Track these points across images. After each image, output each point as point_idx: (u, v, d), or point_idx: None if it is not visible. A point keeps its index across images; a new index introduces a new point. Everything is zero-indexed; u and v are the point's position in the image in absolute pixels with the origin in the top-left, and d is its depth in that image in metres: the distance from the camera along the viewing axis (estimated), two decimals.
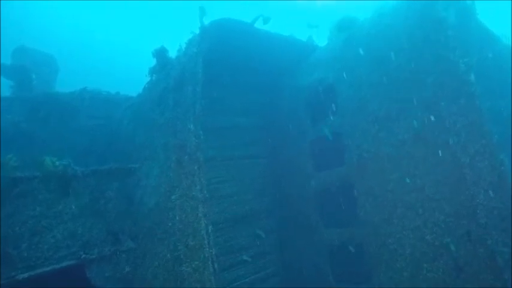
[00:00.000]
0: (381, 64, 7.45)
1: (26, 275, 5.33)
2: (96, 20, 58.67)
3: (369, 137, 7.17)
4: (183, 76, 6.57)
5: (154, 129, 7.18)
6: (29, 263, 5.49)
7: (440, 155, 5.86)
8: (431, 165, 6.04)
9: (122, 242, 6.64)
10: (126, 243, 6.68)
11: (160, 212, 6.32)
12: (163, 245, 6.24)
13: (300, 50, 9.94)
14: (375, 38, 7.81)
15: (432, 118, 6.09)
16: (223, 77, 9.01)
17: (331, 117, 8.24)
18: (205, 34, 7.00)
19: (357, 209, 7.33)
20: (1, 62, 10.87)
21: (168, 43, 9.25)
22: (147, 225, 6.61)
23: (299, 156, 9.12)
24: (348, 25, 8.76)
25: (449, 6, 7.50)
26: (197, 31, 8.26)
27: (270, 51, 9.39)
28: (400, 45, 7.12)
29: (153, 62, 9.24)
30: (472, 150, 5.54)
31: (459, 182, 5.59)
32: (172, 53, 8.99)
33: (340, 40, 8.73)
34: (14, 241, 5.58)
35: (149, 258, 6.50)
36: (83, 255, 6.08)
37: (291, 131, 9.49)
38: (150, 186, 6.69)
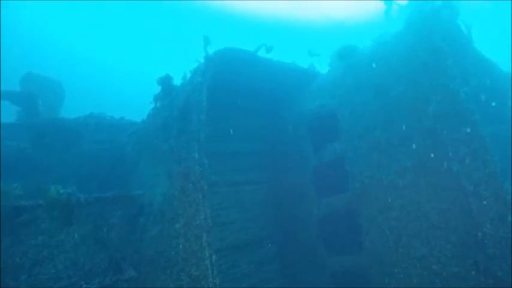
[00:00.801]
0: (381, 92, 7.59)
1: None
2: (107, 47, 60.00)
3: (372, 164, 7.19)
4: (188, 104, 6.70)
5: (159, 156, 7.23)
6: None
7: (444, 183, 5.86)
8: (435, 193, 6.03)
9: (124, 271, 6.54)
10: (127, 272, 6.58)
11: (164, 240, 6.27)
12: (166, 274, 6.14)
13: (302, 76, 10.15)
14: (375, 67, 7.99)
15: (435, 146, 6.14)
16: (226, 103, 9.15)
17: (334, 144, 8.30)
18: (209, 64, 7.19)
19: (361, 236, 7.25)
20: (9, 88, 11.09)
21: (175, 70, 9.46)
22: (150, 253, 6.53)
23: (301, 182, 9.11)
24: (348, 53, 8.99)
25: (447, 35, 7.76)
26: (202, 59, 8.54)
27: (273, 78, 9.60)
28: (400, 73, 7.29)
29: (159, 88, 9.47)
30: (476, 178, 5.55)
31: (464, 211, 5.57)
32: (178, 79, 9.24)
33: (341, 68, 8.93)
34: (14, 272, 5.51)
35: (151, 287, 6.39)
36: (84, 286, 5.98)
37: (293, 156, 9.53)
38: (153, 214, 6.66)
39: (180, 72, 9.09)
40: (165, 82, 8.74)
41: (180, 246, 5.89)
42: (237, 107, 9.46)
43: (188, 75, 8.88)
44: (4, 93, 10.42)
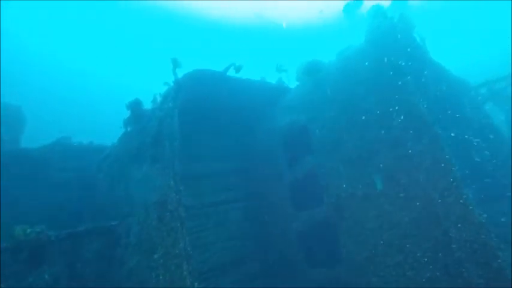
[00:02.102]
0: (349, 106, 7.93)
1: None
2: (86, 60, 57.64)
3: (345, 177, 7.45)
4: (161, 131, 6.65)
5: (133, 184, 7.09)
6: None
7: (412, 192, 6.19)
8: (405, 203, 6.35)
9: None
10: None
11: (143, 271, 6.12)
12: None
13: (271, 93, 10.37)
14: (341, 82, 8.35)
15: (401, 158, 6.48)
16: (198, 124, 9.16)
17: (307, 159, 8.51)
18: (180, 88, 7.20)
19: (339, 248, 7.44)
20: None
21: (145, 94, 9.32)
22: (129, 286, 6.34)
23: (278, 198, 9.24)
24: (315, 69, 9.32)
25: (404, 49, 8.27)
26: (171, 82, 8.53)
27: (243, 97, 9.74)
28: (365, 89, 7.65)
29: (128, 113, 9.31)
30: (441, 186, 5.92)
31: (432, 218, 5.90)
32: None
33: (310, 83, 9.24)
34: None
35: None
36: None
37: (267, 172, 9.65)
38: (130, 245, 6.50)
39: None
40: (135, 107, 8.64)
41: (160, 277, 5.77)
42: (209, 127, 9.49)
43: (158, 98, 8.86)
44: None
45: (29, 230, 5.70)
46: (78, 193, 9.90)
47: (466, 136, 10.83)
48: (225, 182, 9.63)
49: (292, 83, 11.48)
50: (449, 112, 10.60)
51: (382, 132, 7.05)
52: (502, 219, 8.49)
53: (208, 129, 9.26)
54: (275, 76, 11.95)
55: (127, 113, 9.12)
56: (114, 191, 8.05)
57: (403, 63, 7.16)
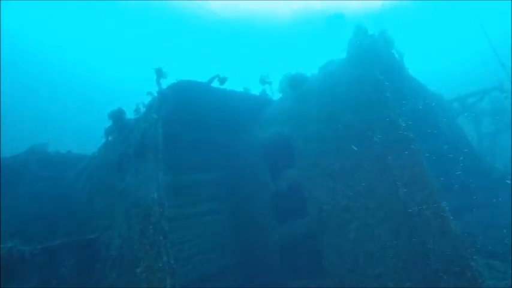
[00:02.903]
0: (331, 121, 8.11)
1: None
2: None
3: (327, 190, 7.58)
4: (144, 143, 6.57)
5: (114, 196, 6.93)
6: None
7: (392, 205, 6.38)
8: (385, 215, 6.53)
9: None
10: None
11: (124, 286, 5.94)
12: None
13: (255, 104, 10.48)
14: (324, 96, 8.55)
15: (382, 171, 6.68)
16: (181, 136, 9.09)
17: (290, 171, 8.60)
18: (163, 99, 7.16)
19: (322, 260, 7.52)
20: None
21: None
22: None
23: (260, 210, 9.25)
24: (298, 83, 9.50)
25: (384, 65, 8.58)
26: (154, 92, 8.46)
27: (227, 108, 9.79)
28: (346, 104, 7.87)
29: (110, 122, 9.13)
30: (419, 199, 6.13)
31: (411, 230, 6.09)
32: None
33: (293, 97, 9.40)
34: None
35: None
36: None
37: (250, 184, 9.67)
38: (111, 259, 6.31)
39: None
40: (117, 117, 8.49)
41: None
42: (192, 139, 9.44)
43: (141, 108, 8.76)
44: None
45: (1, 246, 5.43)
46: (54, 204, 9.54)
47: (442, 149, 11.32)
48: (207, 193, 9.58)
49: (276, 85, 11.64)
50: (426, 127, 11.07)
51: (364, 146, 7.25)
52: (474, 229, 8.89)
53: (190, 140, 9.22)
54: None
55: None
56: (93, 202, 7.82)
57: (383, 80, 7.43)
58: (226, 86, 9.58)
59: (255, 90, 11.79)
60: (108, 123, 8.85)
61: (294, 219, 8.51)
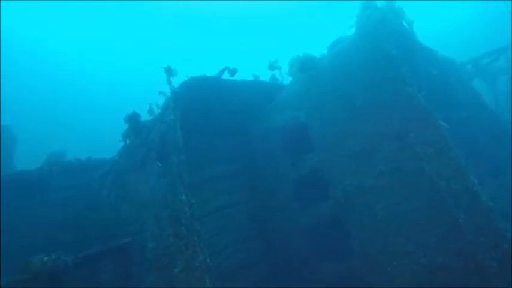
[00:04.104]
0: (346, 101, 8.00)
1: None
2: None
3: (350, 171, 7.57)
4: (164, 145, 6.62)
5: (141, 200, 7.06)
6: None
7: (418, 182, 6.35)
8: (411, 193, 6.51)
9: None
10: None
11: (163, 287, 6.15)
12: None
13: (267, 91, 10.38)
14: (336, 77, 8.40)
15: (404, 149, 6.62)
16: (197, 132, 9.11)
17: (309, 155, 8.59)
18: (178, 99, 7.14)
19: (350, 241, 7.60)
20: None
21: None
22: None
23: (283, 196, 9.31)
24: (309, 65, 9.32)
25: (395, 38, 8.33)
26: (165, 90, 8.44)
27: (239, 98, 9.73)
28: (360, 82, 7.73)
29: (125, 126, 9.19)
30: (446, 174, 6.08)
31: (440, 206, 6.07)
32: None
33: (304, 80, 9.26)
34: None
35: None
36: None
37: (269, 172, 9.70)
38: (147, 261, 6.51)
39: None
40: (133, 120, 8.54)
41: None
42: (207, 133, 9.46)
43: (155, 109, 8.78)
44: None
45: (45, 259, 5.64)
46: (79, 211, 9.79)
47: (460, 116, 11.09)
48: (227, 185, 9.66)
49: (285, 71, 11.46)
50: (442, 95, 10.81)
51: (383, 125, 7.16)
52: (502, 193, 8.81)
53: (206, 134, 9.24)
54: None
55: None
56: (120, 208, 8.00)
57: (397, 55, 7.24)
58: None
59: (263, 76, 11.65)
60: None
61: (317, 203, 8.57)
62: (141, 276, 6.56)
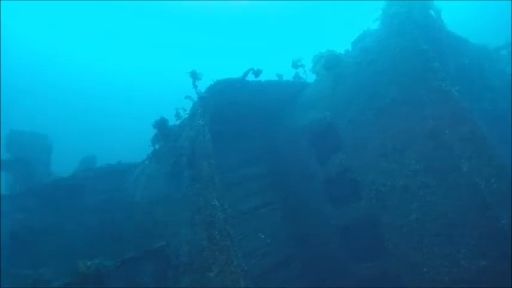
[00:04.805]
0: (375, 98, 7.81)
1: None
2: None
3: (381, 171, 7.40)
4: (194, 151, 6.73)
5: (173, 205, 7.23)
6: None
7: (456, 181, 6.12)
8: (449, 192, 6.28)
9: None
10: None
11: None
12: None
13: (291, 90, 10.31)
14: (363, 75, 8.21)
15: (439, 147, 6.39)
16: (224, 133, 9.19)
17: (338, 155, 8.47)
18: (206, 104, 7.23)
19: (383, 241, 7.45)
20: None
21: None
22: None
23: (313, 197, 9.25)
24: (334, 63, 9.17)
25: (424, 29, 8.02)
26: (191, 94, 8.56)
27: (264, 99, 9.72)
28: (389, 79, 7.52)
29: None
30: (486, 172, 5.82)
31: (481, 205, 5.83)
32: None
33: (329, 78, 9.12)
34: None
35: None
36: None
37: (298, 172, 9.65)
38: (182, 265, 6.66)
39: None
40: (161, 125, 8.74)
41: None
42: (234, 135, 9.53)
43: (182, 113, 8.93)
44: None
45: (89, 263, 5.92)
46: (115, 215, 10.14)
47: (495, 105, 10.54)
48: (257, 186, 9.71)
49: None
50: (475, 85, 10.33)
51: (414, 122, 6.95)
52: None
53: (234, 137, 9.32)
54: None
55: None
56: (153, 212, 8.22)
57: (428, 49, 6.98)
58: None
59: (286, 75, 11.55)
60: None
61: (348, 204, 8.45)
62: (177, 279, 6.73)
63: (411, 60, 6.96)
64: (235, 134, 9.61)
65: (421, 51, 6.89)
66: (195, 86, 8.36)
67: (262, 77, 9.72)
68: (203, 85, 8.37)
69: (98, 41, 59.52)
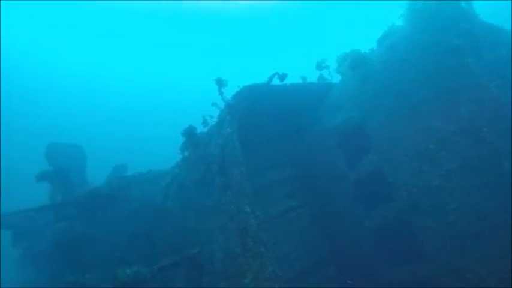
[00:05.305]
0: (404, 97, 7.59)
1: None
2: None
3: (414, 172, 7.18)
4: (225, 159, 6.81)
5: (205, 212, 7.35)
6: None
7: (500, 180, 5.83)
8: (490, 192, 5.99)
9: None
10: None
11: None
12: None
13: (317, 93, 10.21)
14: (390, 73, 8.01)
15: (477, 145, 6.12)
16: (252, 139, 9.23)
17: (369, 156, 8.30)
18: (234, 112, 7.32)
19: (418, 244, 7.21)
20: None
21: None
22: None
23: (343, 199, 9.11)
24: (360, 62, 9.00)
25: (458, 25, 7.68)
26: (217, 101, 8.67)
27: (290, 102, 9.69)
28: (420, 76, 7.28)
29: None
30: None
31: None
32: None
33: (356, 78, 8.95)
34: None
35: None
36: None
37: (327, 174, 9.53)
38: (216, 272, 6.76)
39: None
40: (190, 133, 8.91)
41: None
42: (262, 140, 9.55)
43: (209, 120, 9.08)
44: (40, 175, 10.78)
45: (128, 271, 6.13)
46: (147, 221, 10.43)
47: None
48: (286, 190, 9.68)
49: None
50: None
51: (448, 120, 6.69)
52: None
53: (262, 142, 9.35)
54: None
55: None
56: (185, 219, 8.39)
57: (461, 44, 6.70)
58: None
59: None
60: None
61: (379, 205, 8.25)
62: (211, 284, 6.83)
63: (443, 57, 6.71)
64: (265, 139, 9.64)
65: (453, 46, 6.63)
66: (220, 93, 8.47)
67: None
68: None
69: (116, 51, 61.21)
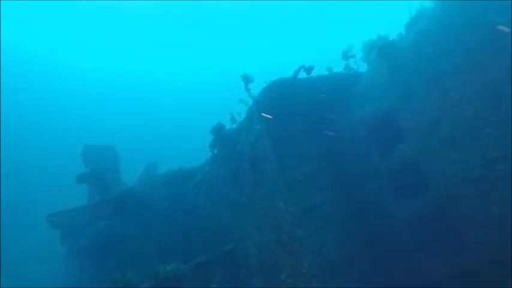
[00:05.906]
0: (439, 84, 7.28)
1: None
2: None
3: (451, 161, 6.90)
4: (256, 156, 6.86)
5: (238, 208, 7.45)
6: None
7: None
8: None
9: None
10: None
11: None
12: None
13: (343, 82, 10.00)
14: (423, 58, 7.68)
15: None
16: (283, 135, 9.16)
17: (400, 146, 8.06)
18: (262, 108, 7.32)
19: (459, 236, 6.96)
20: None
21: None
22: None
23: (375, 190, 8.91)
24: (388, 50, 8.71)
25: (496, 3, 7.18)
26: (244, 97, 8.70)
27: (318, 95, 9.54)
28: (457, 60, 6.93)
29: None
30: None
31: None
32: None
33: (384, 66, 8.67)
34: None
35: None
36: None
37: (358, 166, 9.34)
38: (252, 267, 6.87)
39: None
40: (218, 131, 9.03)
41: None
42: (291, 134, 9.47)
43: (236, 117, 9.15)
44: (79, 177, 11.34)
45: (168, 268, 6.37)
46: (182, 219, 10.70)
47: None
48: (318, 183, 9.57)
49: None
50: None
51: (488, 105, 6.35)
52: None
53: (291, 136, 9.26)
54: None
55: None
56: (218, 216, 8.54)
57: (499, 20, 6.28)
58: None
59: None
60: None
61: (414, 196, 8.01)
62: (247, 279, 6.96)
63: (482, 37, 6.34)
64: (294, 133, 9.55)
65: (492, 24, 6.24)
66: (247, 89, 8.50)
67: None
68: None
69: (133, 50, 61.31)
